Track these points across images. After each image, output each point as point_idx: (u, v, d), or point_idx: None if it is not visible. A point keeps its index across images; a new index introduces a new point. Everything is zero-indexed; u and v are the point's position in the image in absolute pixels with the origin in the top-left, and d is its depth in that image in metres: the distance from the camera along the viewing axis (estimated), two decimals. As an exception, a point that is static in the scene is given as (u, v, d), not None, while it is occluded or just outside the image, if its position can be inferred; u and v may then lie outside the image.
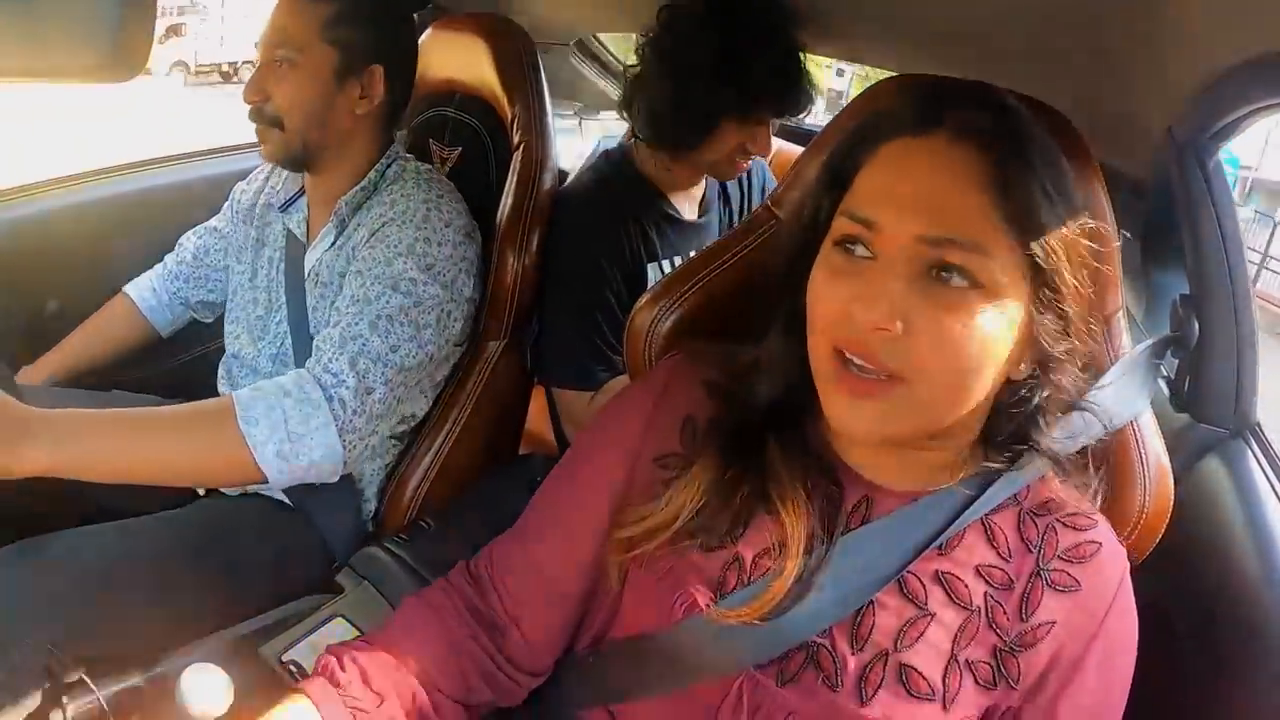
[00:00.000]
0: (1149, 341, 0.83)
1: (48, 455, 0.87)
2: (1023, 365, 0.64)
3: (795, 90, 1.30)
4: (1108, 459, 0.75)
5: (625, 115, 1.39)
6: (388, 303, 1.08)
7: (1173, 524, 0.77)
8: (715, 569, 0.69)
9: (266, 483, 0.99)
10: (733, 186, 1.56)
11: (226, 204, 1.43)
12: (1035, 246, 0.60)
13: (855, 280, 0.61)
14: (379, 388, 1.05)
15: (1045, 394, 0.65)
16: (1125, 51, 0.90)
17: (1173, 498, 0.77)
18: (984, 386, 0.63)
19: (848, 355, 0.61)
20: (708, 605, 0.67)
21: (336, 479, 1.06)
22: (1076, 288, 0.62)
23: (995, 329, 0.60)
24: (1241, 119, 0.88)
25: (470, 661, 0.75)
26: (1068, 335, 0.63)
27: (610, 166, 1.42)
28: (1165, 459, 0.78)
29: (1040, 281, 0.61)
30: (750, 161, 1.40)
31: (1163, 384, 0.97)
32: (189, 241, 1.45)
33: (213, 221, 1.45)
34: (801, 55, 1.31)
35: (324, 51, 1.14)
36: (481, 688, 0.76)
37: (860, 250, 0.62)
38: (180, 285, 1.44)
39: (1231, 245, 0.92)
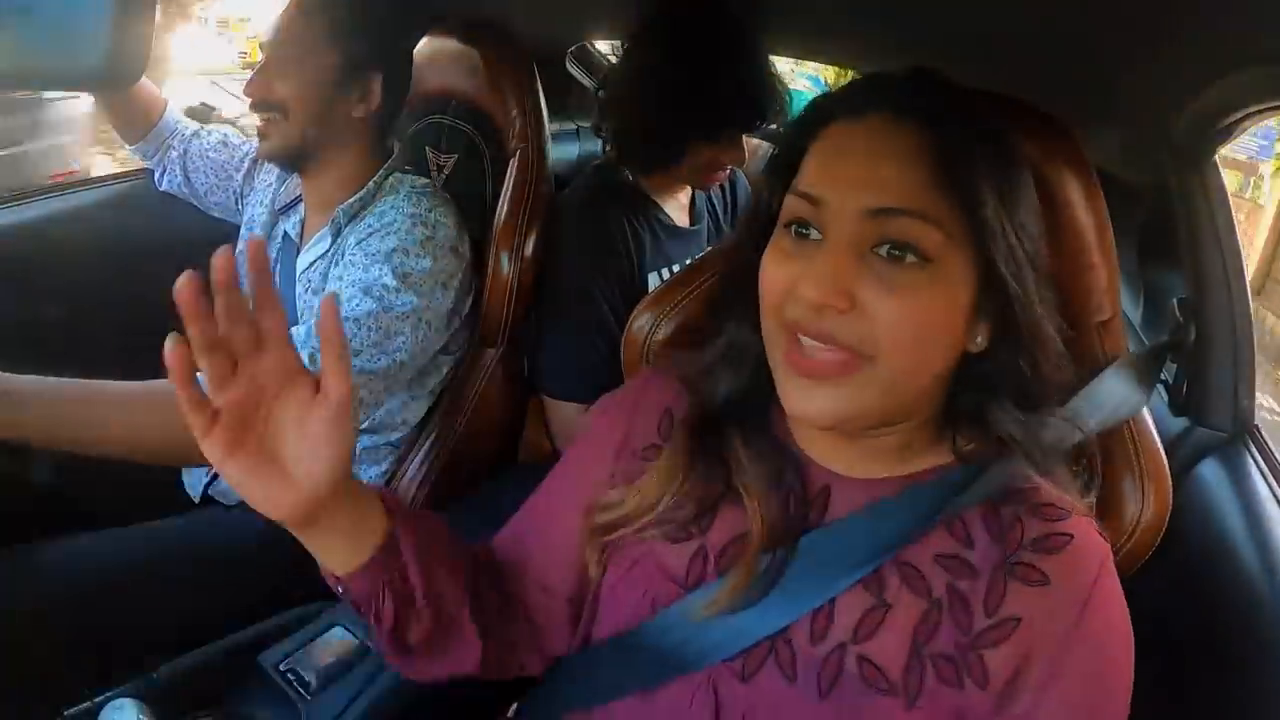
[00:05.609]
0: (1146, 347, 0.83)
1: None
2: (979, 339, 0.63)
3: (762, 105, 1.30)
4: (1104, 462, 0.75)
5: (598, 134, 1.42)
6: (356, 306, 1.08)
7: (1172, 527, 0.77)
8: (682, 562, 0.69)
9: (209, 465, 0.98)
10: (716, 196, 1.56)
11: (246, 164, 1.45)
12: (979, 214, 0.60)
13: (803, 261, 0.62)
14: None
15: (1000, 367, 0.64)
16: (1122, 55, 0.90)
17: (1171, 501, 0.77)
18: (939, 361, 0.62)
19: (800, 337, 0.61)
20: (675, 598, 0.67)
21: None
22: (1026, 256, 0.61)
23: (946, 301, 0.60)
24: (1238, 122, 0.88)
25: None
26: (1022, 307, 0.62)
27: (603, 177, 1.42)
28: (1164, 462, 0.77)
29: (987, 252, 0.60)
30: (727, 172, 1.41)
31: (1161, 388, 0.97)
32: (215, 136, 1.47)
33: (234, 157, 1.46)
34: (770, 63, 1.32)
35: (326, 54, 1.15)
36: (516, 626, 0.77)
37: (810, 234, 0.62)
38: (192, 143, 1.47)
39: (1229, 248, 0.92)
